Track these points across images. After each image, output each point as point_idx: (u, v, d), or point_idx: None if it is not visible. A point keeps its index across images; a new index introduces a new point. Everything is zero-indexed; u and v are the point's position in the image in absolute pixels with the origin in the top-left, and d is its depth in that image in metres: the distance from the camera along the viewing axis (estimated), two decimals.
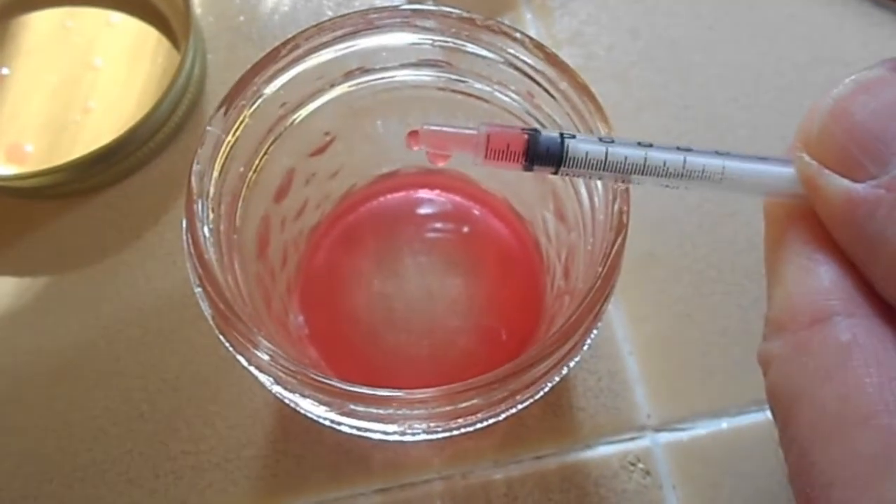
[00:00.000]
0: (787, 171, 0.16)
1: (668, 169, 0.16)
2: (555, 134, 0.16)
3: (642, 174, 0.16)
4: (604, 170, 0.16)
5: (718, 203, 0.30)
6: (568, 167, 0.16)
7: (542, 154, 0.16)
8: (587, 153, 0.16)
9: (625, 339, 0.28)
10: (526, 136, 0.16)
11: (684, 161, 0.16)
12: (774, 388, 0.15)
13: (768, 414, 0.27)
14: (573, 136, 0.16)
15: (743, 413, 0.27)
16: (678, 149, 0.16)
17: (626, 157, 0.16)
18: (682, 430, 0.27)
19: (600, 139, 0.16)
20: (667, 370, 0.27)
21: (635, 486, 0.26)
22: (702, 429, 0.27)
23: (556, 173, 0.16)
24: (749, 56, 0.32)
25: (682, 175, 0.16)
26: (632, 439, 0.26)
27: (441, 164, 0.17)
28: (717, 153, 0.16)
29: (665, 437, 0.26)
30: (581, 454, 0.26)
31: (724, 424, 0.27)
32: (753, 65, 0.32)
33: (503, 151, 0.16)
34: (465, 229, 0.28)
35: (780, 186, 0.16)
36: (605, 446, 0.26)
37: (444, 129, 0.17)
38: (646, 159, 0.16)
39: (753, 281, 0.28)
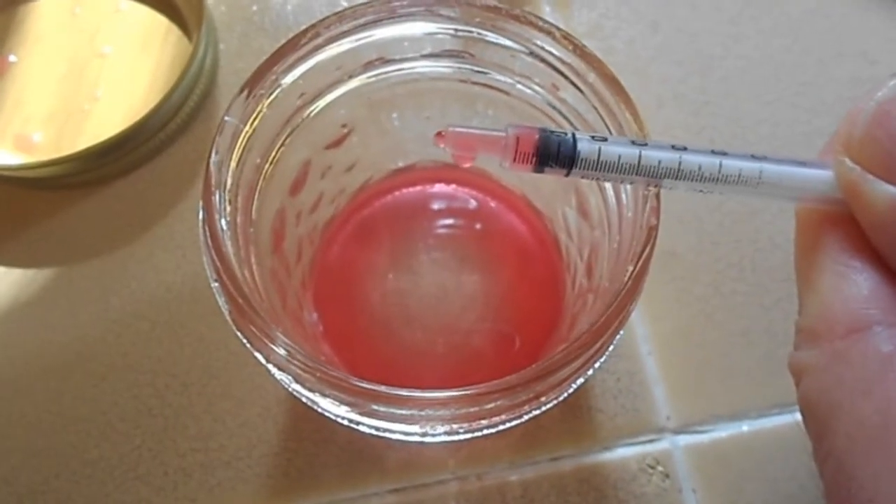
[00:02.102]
0: (826, 175, 0.15)
1: (703, 173, 0.15)
2: (587, 136, 0.16)
3: (676, 178, 0.15)
4: (636, 174, 0.15)
5: (740, 202, 0.29)
6: (602, 171, 0.15)
7: (579, 158, 0.15)
8: (619, 157, 0.15)
9: (644, 339, 0.27)
10: (558, 140, 0.15)
11: (720, 165, 0.15)
12: (808, 399, 0.15)
13: (791, 417, 0.26)
14: (605, 139, 0.16)
15: (765, 415, 0.26)
16: (713, 152, 0.15)
17: (659, 161, 0.15)
18: (703, 432, 0.26)
19: (633, 142, 0.16)
20: (687, 371, 0.27)
21: (654, 490, 0.25)
22: (722, 431, 0.26)
23: (592, 178, 0.16)
24: (771, 50, 0.32)
25: (717, 180, 0.15)
26: (651, 441, 0.26)
27: (467, 165, 0.16)
28: (754, 157, 0.15)
29: (685, 439, 0.26)
30: (599, 456, 0.26)
31: (745, 427, 0.26)
32: (775, 59, 0.32)
33: (531, 154, 0.16)
34: (482, 225, 0.28)
35: (818, 191, 0.15)
36: (624, 448, 0.26)
37: (471, 130, 0.16)
38: (680, 163, 0.15)
39: (776, 281, 0.28)
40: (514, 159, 0.15)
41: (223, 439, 0.26)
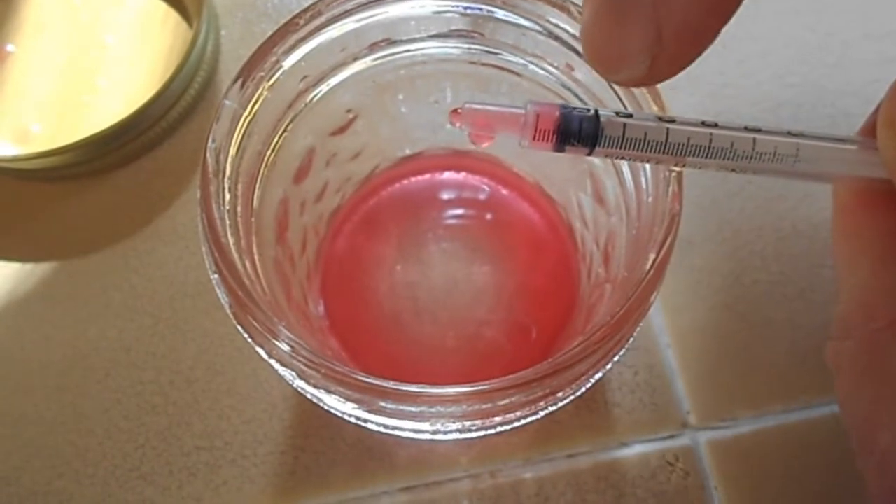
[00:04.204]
0: (867, 152, 0.14)
1: (735, 151, 0.14)
2: (611, 112, 0.15)
3: (706, 157, 0.14)
4: (663, 152, 0.14)
5: (761, 186, 0.28)
6: (626, 149, 0.14)
7: (603, 135, 0.14)
8: (646, 133, 0.14)
9: (662, 331, 0.26)
10: (581, 116, 0.14)
11: (754, 142, 0.14)
12: (848, 392, 0.14)
13: (817, 411, 0.25)
14: (630, 115, 0.15)
15: (789, 410, 0.25)
16: (746, 128, 0.14)
17: (688, 138, 0.14)
18: (725, 427, 0.25)
19: (659, 118, 0.15)
20: (707, 364, 0.26)
21: (674, 487, 0.24)
22: (745, 426, 0.25)
23: (615, 157, 0.15)
24: (793, 31, 0.31)
25: (751, 157, 0.14)
26: (670, 437, 0.25)
27: (485, 145, 0.15)
28: (790, 133, 0.14)
29: (706, 435, 0.25)
30: (617, 452, 0.25)
31: (770, 422, 0.25)
32: (798, 40, 0.31)
33: (552, 132, 0.15)
34: (493, 214, 0.27)
35: (858, 170, 0.14)
36: (643, 444, 0.25)
37: (488, 107, 0.15)
38: (711, 140, 0.14)
39: (800, 270, 0.27)
40: (534, 137, 0.14)
41: (228, 437, 0.25)
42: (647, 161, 0.15)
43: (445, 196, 0.27)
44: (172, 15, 0.31)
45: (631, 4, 0.12)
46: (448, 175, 0.27)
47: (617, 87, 0.19)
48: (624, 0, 0.12)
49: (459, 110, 0.15)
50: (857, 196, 0.15)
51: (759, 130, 0.14)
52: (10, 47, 0.31)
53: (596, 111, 0.15)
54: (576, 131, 0.14)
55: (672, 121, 0.14)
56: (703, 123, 0.14)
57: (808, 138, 0.14)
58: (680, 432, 0.25)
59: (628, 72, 0.13)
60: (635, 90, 0.18)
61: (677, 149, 0.14)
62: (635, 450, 0.25)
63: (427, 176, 0.27)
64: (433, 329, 0.25)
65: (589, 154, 0.14)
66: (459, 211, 0.27)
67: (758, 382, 0.26)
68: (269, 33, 0.19)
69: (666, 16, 0.11)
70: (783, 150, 0.14)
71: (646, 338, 0.26)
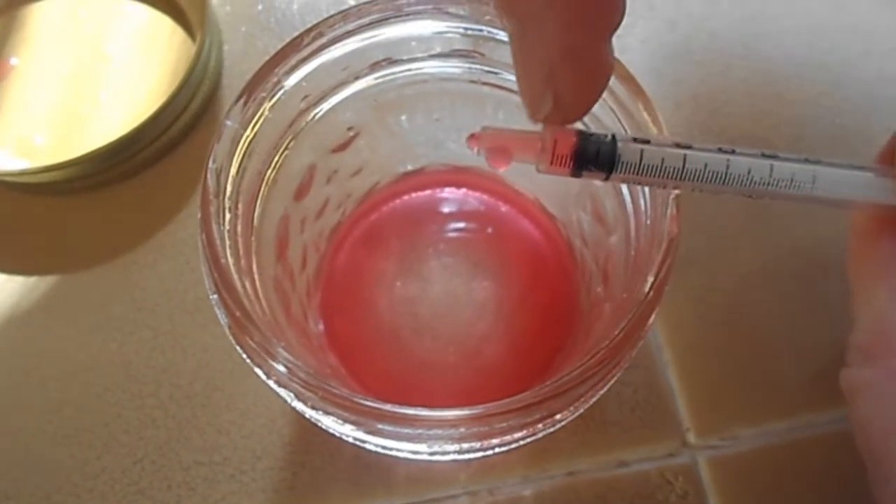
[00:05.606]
0: (884, 181, 0.14)
1: (752, 178, 0.14)
2: (628, 137, 0.15)
3: (723, 184, 0.14)
4: (680, 178, 0.14)
5: (762, 204, 0.28)
6: (643, 175, 0.14)
7: (620, 161, 0.14)
8: (663, 160, 0.14)
9: (661, 349, 0.26)
10: (598, 142, 0.14)
11: (771, 169, 0.14)
12: (865, 420, 0.14)
13: (817, 430, 0.25)
14: (647, 141, 0.15)
15: (789, 428, 0.25)
16: (763, 155, 0.14)
17: (705, 165, 0.14)
18: (724, 446, 0.25)
19: (677, 144, 0.15)
20: (707, 382, 0.26)
21: None
22: (745, 445, 0.25)
23: (632, 183, 0.15)
24: (795, 49, 0.31)
25: (767, 184, 0.14)
26: (670, 455, 0.25)
27: (502, 169, 0.15)
28: (807, 160, 0.14)
29: (706, 453, 0.25)
30: (616, 471, 0.25)
31: (770, 440, 0.25)
32: (799, 58, 0.31)
33: (569, 157, 0.15)
34: (494, 230, 0.27)
35: (874, 198, 0.14)
36: (642, 463, 0.25)
37: (505, 132, 0.15)
38: (728, 167, 0.14)
39: (802, 287, 0.27)
40: (552, 162, 0.14)
41: (227, 452, 0.25)
42: (664, 187, 0.15)
43: (446, 212, 0.27)
44: (175, 29, 0.31)
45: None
46: (448, 191, 0.27)
47: (616, 109, 0.19)
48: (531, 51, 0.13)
49: (477, 134, 0.15)
50: (873, 223, 0.15)
51: (776, 157, 0.14)
52: (13, 60, 0.31)
53: (613, 136, 0.15)
54: (593, 157, 0.14)
55: (689, 147, 0.14)
56: (721, 150, 0.14)
57: (826, 165, 0.14)
58: (679, 450, 0.25)
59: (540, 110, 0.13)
60: (633, 111, 0.18)
61: (694, 175, 0.14)
62: (634, 468, 0.25)
63: (427, 192, 0.27)
64: (433, 345, 0.25)
65: (605, 180, 0.14)
66: (460, 227, 0.27)
67: (758, 400, 0.25)
68: (272, 48, 0.19)
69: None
70: (800, 178, 0.14)
71: (645, 355, 0.26)
